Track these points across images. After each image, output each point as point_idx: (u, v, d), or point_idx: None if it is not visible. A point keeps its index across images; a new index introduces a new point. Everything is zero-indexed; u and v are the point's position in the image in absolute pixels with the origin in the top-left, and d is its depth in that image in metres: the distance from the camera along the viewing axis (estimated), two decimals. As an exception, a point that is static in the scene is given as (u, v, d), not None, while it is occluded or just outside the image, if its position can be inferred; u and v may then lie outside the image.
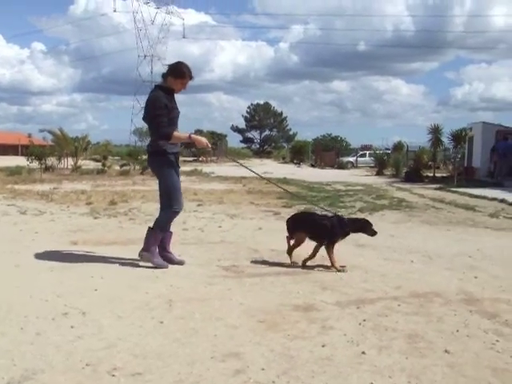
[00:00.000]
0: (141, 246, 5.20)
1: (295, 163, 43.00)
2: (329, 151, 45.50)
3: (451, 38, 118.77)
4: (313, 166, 40.58)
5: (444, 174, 23.42)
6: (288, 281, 4.66)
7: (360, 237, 5.61)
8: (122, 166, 23.60)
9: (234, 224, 8.12)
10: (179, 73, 5.10)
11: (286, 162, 46.11)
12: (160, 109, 4.99)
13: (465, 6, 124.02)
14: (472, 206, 11.15)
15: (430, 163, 24.00)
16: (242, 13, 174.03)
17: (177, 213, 5.21)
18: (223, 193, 13.41)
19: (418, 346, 3.16)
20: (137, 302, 3.95)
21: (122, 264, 5.16)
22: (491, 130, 23.10)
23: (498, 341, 3.26)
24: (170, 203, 5.13)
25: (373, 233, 5.43)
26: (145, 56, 78.73)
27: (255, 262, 5.42)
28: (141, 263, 5.12)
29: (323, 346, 3.13)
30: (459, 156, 26.07)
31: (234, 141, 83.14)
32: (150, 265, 5.05)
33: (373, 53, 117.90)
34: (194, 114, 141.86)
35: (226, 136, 62.83)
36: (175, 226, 7.71)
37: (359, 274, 4.93)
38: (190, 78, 5.19)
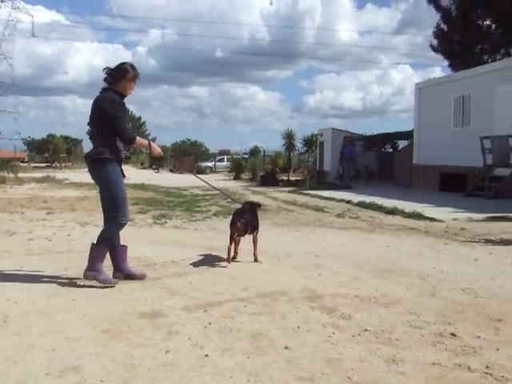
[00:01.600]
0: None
1: (154, 169, 42.40)
2: (188, 156, 45.63)
3: (303, 48, 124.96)
4: (172, 171, 40.33)
5: (298, 178, 24.44)
6: (136, 287, 4.56)
7: (212, 240, 5.66)
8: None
9: (85, 232, 7.80)
10: (129, 74, 4.69)
11: (144, 168, 45.30)
12: (119, 111, 4.58)
13: (315, 20, 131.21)
14: (321, 208, 11.77)
15: (285, 167, 24.96)
16: (98, 13, 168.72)
17: (123, 224, 4.73)
18: (76, 200, 12.87)
19: (260, 345, 3.23)
20: (-33, 320, 3.63)
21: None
22: (339, 135, 24.66)
23: (333, 333, 3.44)
24: (115, 214, 4.64)
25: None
26: (-12, 54, 73.24)
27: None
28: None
29: (167, 352, 3.09)
30: (312, 160, 27.46)
31: (91, 146, 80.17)
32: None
33: (230, 60, 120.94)
34: (46, 117, 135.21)
35: (81, 141, 60.55)
36: (19, 237, 7.30)
37: (209, 278, 4.96)
38: (138, 76, 4.83)
